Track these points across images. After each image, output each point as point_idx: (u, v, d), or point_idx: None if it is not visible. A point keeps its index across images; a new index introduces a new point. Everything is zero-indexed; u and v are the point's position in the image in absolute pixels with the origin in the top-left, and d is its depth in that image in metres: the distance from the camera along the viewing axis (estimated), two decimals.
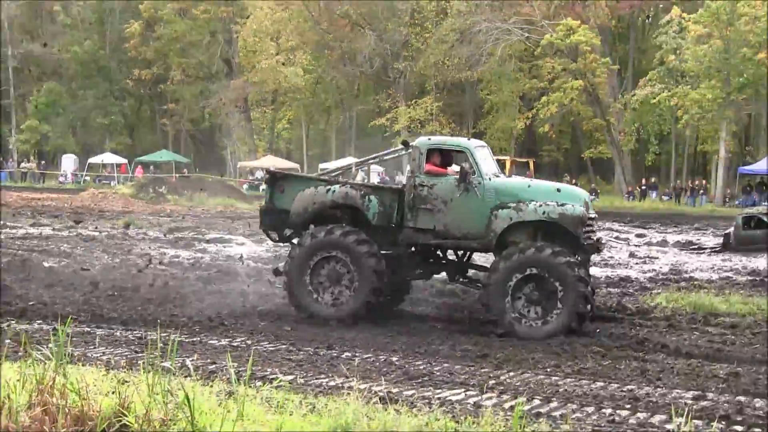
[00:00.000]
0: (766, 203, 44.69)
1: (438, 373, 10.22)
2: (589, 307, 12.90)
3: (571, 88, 59.55)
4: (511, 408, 8.29)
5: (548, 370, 10.48)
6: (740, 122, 60.75)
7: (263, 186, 15.04)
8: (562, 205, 12.97)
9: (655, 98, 57.69)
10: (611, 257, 24.02)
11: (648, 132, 62.26)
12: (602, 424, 8.00)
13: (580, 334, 12.65)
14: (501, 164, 41.56)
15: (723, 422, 8.03)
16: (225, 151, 77.50)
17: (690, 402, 8.80)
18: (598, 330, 13.12)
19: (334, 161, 69.95)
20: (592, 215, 13.57)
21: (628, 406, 8.72)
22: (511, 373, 10.30)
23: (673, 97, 56.52)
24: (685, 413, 7.35)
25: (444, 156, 13.96)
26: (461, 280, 14.73)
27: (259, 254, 23.13)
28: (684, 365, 10.69)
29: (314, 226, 13.83)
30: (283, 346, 11.77)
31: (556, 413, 8.41)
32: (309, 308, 13.56)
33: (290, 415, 7.09)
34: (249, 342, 11.99)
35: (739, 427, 7.93)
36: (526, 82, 65.67)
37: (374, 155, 17.16)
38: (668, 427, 7.74)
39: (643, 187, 59.93)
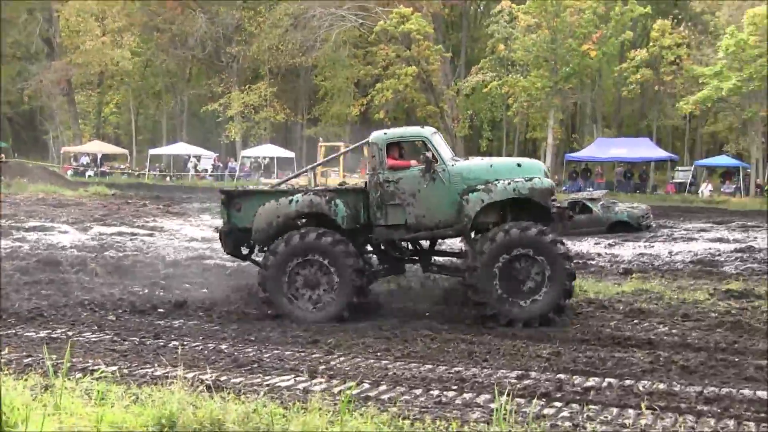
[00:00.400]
0: (590, 189, 46.74)
1: (268, 360, 10.21)
2: (573, 283, 13.13)
3: (405, 75, 60.42)
4: (341, 393, 8.38)
5: (378, 354, 10.64)
6: (567, 110, 63.29)
7: (219, 207, 14.30)
8: (530, 179, 13.13)
9: (486, 86, 59.38)
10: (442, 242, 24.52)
11: (481, 119, 64.07)
12: (429, 406, 8.19)
13: (417, 317, 12.98)
14: (335, 151, 41.86)
15: (543, 399, 8.38)
16: (47, 136, 74.52)
17: (514, 381, 9.13)
18: (428, 314, 13.41)
19: (165, 146, 68.66)
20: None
21: (455, 387, 8.96)
22: (342, 358, 10.40)
23: (504, 85, 58.36)
24: (507, 392, 7.65)
25: (401, 148, 13.85)
26: (434, 268, 14.68)
27: (84, 243, 22.42)
28: (509, 346, 11.05)
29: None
30: (107, 337, 11.48)
31: (385, 396, 8.56)
32: (289, 313, 12.97)
33: (111, 406, 6.92)
34: (70, 333, 11.62)
35: (558, 403, 8.29)
36: (360, 68, 66.16)
37: (334, 154, 16.74)
38: (492, 405, 8.00)
39: None
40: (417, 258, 14.66)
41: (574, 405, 8.25)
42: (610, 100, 66.23)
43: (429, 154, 13.18)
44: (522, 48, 56.56)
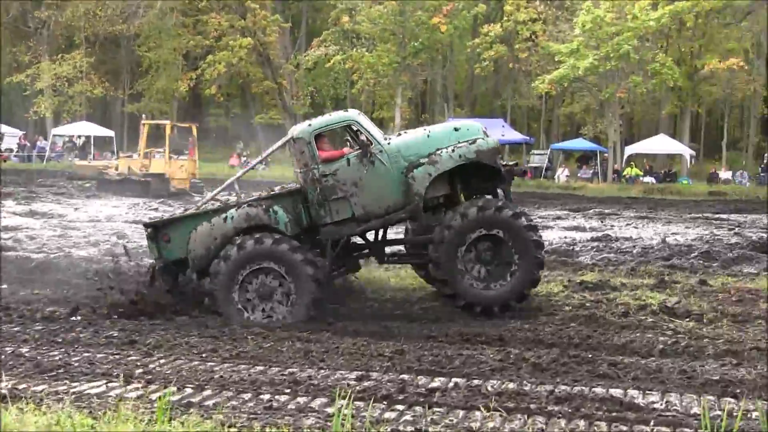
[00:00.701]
0: None
1: (76, 364, 9.91)
2: (541, 272, 13.41)
3: (239, 47, 59.89)
4: (159, 399, 8.18)
5: (204, 355, 10.47)
6: (416, 88, 64.34)
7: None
8: (473, 141, 13.26)
9: (329, 60, 59.53)
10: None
11: (323, 96, 64.25)
12: (259, 411, 8.10)
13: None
14: (161, 130, 41.07)
15: (384, 402, 8.41)
16: None
17: (353, 383, 9.12)
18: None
19: None
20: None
21: (288, 390, 8.89)
22: (162, 361, 10.19)
23: (348, 60, 58.66)
24: (345, 395, 7.63)
25: (330, 137, 13.75)
26: (394, 258, 14.86)
27: None
28: (349, 345, 11.04)
29: None
30: None
31: (210, 402, 8.41)
32: (240, 324, 12.38)
33: None
34: None
35: (400, 406, 8.33)
36: (189, 38, 65.22)
37: (259, 158, 16.03)
38: (329, 410, 7.98)
39: None
40: (369, 251, 14.53)
41: (417, 407, 8.29)
42: (462, 78, 67.64)
43: (363, 138, 13.29)
44: (368, 20, 57.02)
